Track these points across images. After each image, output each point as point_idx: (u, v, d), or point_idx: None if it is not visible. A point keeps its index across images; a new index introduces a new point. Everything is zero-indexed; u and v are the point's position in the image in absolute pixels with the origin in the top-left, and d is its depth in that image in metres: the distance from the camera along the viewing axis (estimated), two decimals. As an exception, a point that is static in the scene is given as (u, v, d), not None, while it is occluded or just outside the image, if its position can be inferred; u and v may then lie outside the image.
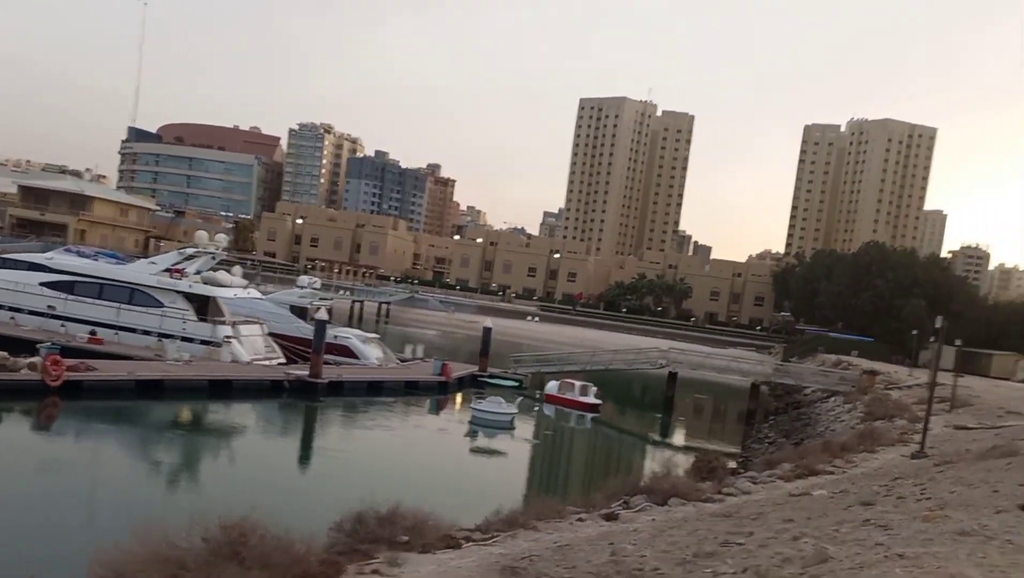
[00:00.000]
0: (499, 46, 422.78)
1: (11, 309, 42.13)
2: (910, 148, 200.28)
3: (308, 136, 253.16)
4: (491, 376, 49.04)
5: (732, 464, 29.87)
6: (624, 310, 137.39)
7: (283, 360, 43.60)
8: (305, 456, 31.18)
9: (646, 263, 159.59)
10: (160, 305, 41.39)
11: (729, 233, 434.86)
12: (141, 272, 42.53)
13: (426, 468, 30.19)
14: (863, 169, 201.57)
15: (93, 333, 40.04)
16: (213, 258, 44.96)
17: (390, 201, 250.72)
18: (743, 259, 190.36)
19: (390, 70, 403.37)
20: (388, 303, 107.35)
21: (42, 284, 42.15)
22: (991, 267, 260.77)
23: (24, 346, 36.82)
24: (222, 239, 45.98)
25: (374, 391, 42.39)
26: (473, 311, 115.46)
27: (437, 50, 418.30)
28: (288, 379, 38.42)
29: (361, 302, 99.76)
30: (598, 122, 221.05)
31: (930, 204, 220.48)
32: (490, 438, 37.21)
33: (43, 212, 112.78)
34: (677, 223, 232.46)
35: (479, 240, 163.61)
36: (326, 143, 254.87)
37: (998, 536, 7.68)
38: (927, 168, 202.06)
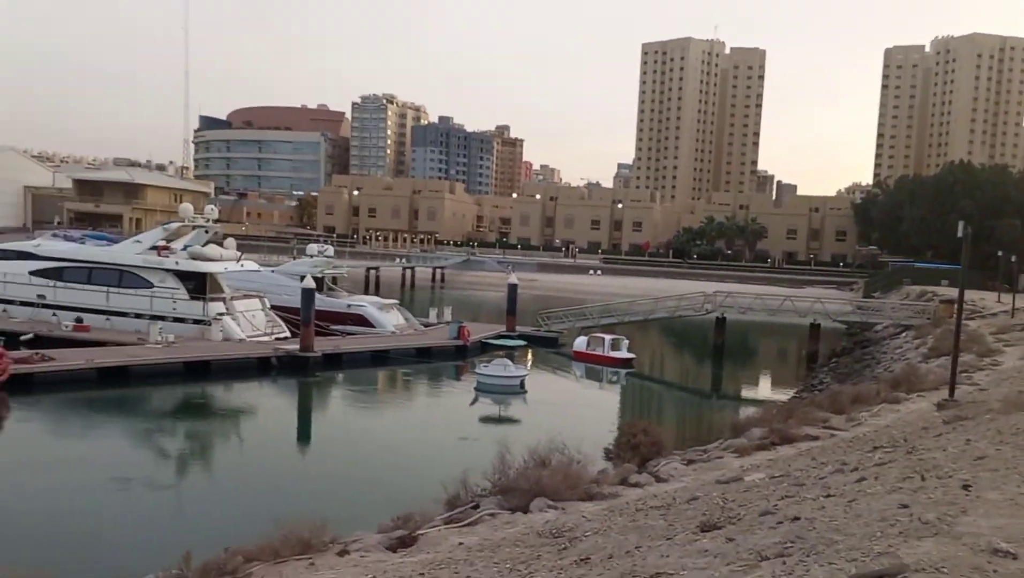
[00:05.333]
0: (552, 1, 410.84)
1: (2, 301, 40.59)
2: (1002, 62, 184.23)
3: (371, 108, 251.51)
4: (500, 336, 45.21)
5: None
6: (694, 257, 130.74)
7: (287, 334, 40.69)
8: (304, 435, 28.52)
9: (715, 205, 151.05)
10: (150, 285, 39.04)
11: (816, 169, 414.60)
12: (126, 252, 40.15)
13: (419, 443, 27.05)
14: (952, 89, 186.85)
15: (79, 321, 38.04)
16: (206, 232, 42.28)
17: (456, 166, 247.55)
18: (833, 195, 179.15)
19: (447, 38, 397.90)
20: (442, 268, 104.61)
21: (32, 273, 40.35)
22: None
23: (13, 339, 35.20)
24: (211, 211, 43.18)
25: (379, 362, 39.22)
26: (533, 269, 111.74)
27: (493, 13, 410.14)
28: (276, 355, 35.57)
29: (412, 269, 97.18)
30: (663, 66, 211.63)
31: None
32: (500, 405, 33.71)
33: (98, 204, 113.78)
34: (755, 163, 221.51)
35: (538, 196, 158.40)
36: (389, 113, 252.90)
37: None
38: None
